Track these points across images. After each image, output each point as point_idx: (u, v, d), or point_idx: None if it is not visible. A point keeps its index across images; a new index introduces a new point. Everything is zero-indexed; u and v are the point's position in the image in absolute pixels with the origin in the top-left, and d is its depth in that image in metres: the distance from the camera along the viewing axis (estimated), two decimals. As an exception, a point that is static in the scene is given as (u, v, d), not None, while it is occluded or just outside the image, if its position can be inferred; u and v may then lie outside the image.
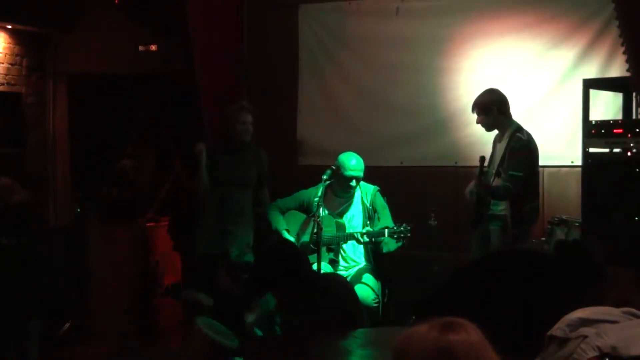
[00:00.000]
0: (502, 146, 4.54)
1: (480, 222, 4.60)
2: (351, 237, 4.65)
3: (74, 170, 6.19)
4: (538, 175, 4.62)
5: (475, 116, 4.65)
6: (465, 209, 4.76)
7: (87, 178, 6.02)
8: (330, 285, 3.50)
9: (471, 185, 4.63)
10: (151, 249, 5.67)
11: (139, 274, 5.56)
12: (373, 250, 4.77)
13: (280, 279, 3.35)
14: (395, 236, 4.56)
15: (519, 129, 4.51)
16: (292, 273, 3.34)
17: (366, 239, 4.61)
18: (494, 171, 4.55)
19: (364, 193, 4.81)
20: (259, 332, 3.78)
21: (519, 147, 4.41)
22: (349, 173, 4.70)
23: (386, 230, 4.59)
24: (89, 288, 5.45)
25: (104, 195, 5.96)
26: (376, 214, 4.76)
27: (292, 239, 4.79)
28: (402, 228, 4.56)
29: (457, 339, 1.55)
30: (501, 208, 4.53)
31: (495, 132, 4.68)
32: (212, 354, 2.99)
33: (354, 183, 4.73)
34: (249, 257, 4.76)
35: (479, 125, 4.66)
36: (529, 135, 4.50)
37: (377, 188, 4.84)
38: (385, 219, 4.73)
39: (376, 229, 4.67)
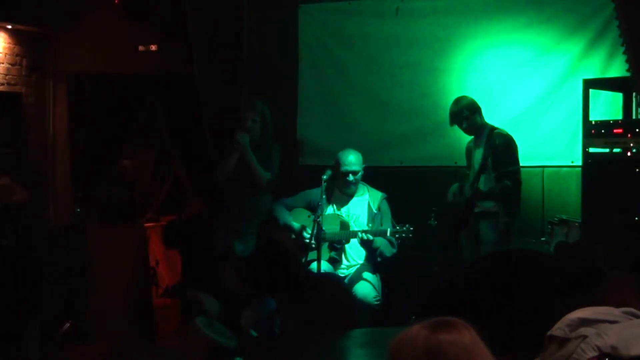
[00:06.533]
0: (480, 147, 4.71)
1: (468, 222, 4.71)
2: (354, 234, 4.66)
3: (74, 170, 6.18)
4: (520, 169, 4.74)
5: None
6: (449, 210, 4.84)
7: (87, 178, 6.02)
8: (326, 286, 3.50)
9: (454, 187, 4.80)
10: (151, 249, 5.66)
11: (139, 274, 5.55)
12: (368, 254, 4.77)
13: (269, 280, 3.35)
14: (397, 235, 4.58)
15: (494, 127, 4.72)
16: (280, 273, 3.34)
17: (370, 237, 4.61)
18: (474, 173, 4.70)
19: (372, 198, 4.84)
20: (254, 334, 3.78)
21: (504, 142, 4.61)
22: (344, 168, 4.75)
23: (388, 230, 4.60)
24: (89, 288, 5.44)
25: (104, 195, 5.96)
26: (380, 218, 4.77)
27: (297, 226, 4.80)
28: (404, 228, 4.56)
29: (447, 338, 1.55)
30: (492, 205, 4.61)
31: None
32: (211, 353, 3.00)
33: (351, 177, 4.77)
34: None
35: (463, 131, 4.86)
36: (506, 131, 4.70)
37: (385, 195, 4.87)
38: (385, 225, 4.76)
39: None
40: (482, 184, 4.69)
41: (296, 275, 3.43)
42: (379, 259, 4.72)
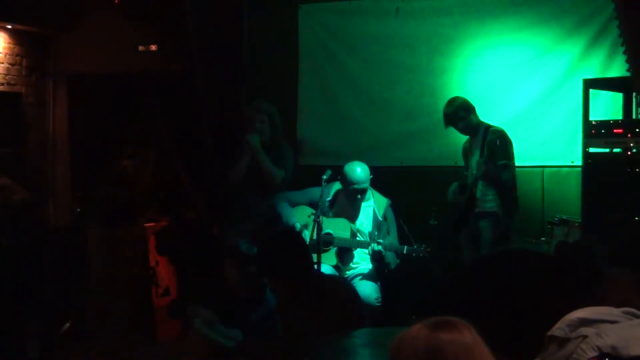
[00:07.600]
0: (477, 145, 4.73)
1: (468, 222, 4.73)
2: (365, 245, 4.63)
3: (74, 170, 6.18)
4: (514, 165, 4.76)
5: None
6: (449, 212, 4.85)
7: (87, 178, 6.02)
8: (335, 288, 3.45)
9: (453, 187, 4.82)
10: (151, 249, 5.66)
11: (139, 274, 5.55)
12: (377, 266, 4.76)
13: (278, 265, 3.31)
14: (414, 254, 4.56)
15: (489, 126, 4.74)
16: (291, 262, 3.29)
17: (382, 249, 4.57)
18: (474, 172, 4.70)
19: (377, 204, 4.82)
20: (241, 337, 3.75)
21: (499, 137, 4.59)
22: (354, 187, 4.69)
23: (405, 247, 4.59)
24: (89, 288, 5.44)
25: (104, 195, 5.95)
26: (386, 226, 4.76)
27: (299, 227, 4.77)
28: (422, 248, 4.54)
29: (447, 337, 1.55)
30: (491, 205, 4.64)
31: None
32: (210, 352, 3.00)
33: (359, 196, 4.74)
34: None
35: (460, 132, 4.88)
36: (500, 128, 4.72)
37: (390, 202, 4.85)
38: (393, 234, 4.76)
39: (387, 242, 4.67)
40: (481, 186, 4.69)
41: (304, 268, 3.37)
42: (386, 271, 4.71)
